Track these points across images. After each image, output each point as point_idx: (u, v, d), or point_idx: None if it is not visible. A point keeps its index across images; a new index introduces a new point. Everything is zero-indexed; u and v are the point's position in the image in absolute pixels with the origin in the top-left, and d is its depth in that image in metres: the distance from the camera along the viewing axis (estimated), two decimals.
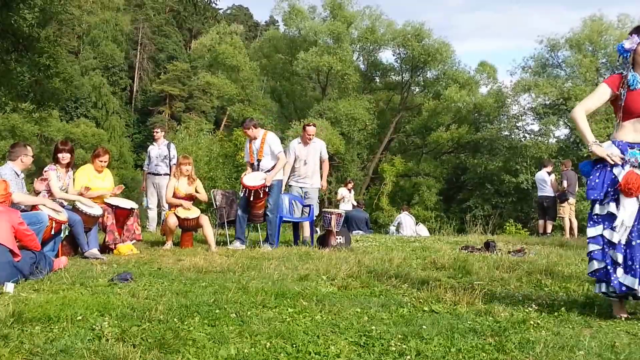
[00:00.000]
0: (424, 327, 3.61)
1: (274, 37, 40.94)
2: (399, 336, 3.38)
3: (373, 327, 3.57)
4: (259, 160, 9.00)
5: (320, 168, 9.96)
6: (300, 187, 9.75)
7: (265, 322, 3.70)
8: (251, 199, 8.59)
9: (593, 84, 31.04)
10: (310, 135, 9.80)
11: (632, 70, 4.33)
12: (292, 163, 9.77)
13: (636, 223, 4.09)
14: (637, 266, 4.01)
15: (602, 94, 4.42)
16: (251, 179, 8.74)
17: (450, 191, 34.78)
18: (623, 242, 4.10)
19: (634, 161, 4.15)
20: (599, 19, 32.13)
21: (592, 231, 4.26)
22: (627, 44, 4.32)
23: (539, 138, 31.87)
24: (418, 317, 3.97)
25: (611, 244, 4.13)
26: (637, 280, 3.99)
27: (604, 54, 31.98)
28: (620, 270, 4.07)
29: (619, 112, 4.29)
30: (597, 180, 4.24)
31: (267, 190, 8.68)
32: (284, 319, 3.80)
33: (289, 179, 9.86)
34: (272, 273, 5.76)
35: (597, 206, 4.23)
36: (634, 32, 4.35)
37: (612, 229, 4.13)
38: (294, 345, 3.20)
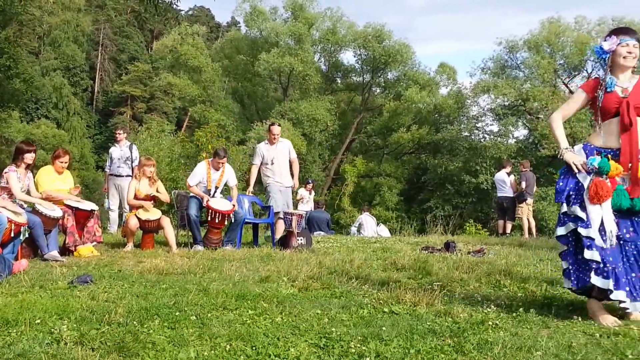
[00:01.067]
0: (384, 328, 3.63)
1: (236, 38, 40.86)
2: (359, 338, 3.40)
3: (333, 329, 3.58)
4: (216, 188, 9.13)
5: (291, 168, 10.00)
6: (280, 186, 9.73)
7: (226, 324, 3.69)
8: (217, 220, 8.62)
9: (551, 85, 31.64)
10: (275, 135, 9.82)
11: (610, 72, 4.35)
12: (259, 165, 9.80)
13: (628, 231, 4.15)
14: (610, 268, 4.03)
15: (578, 98, 4.48)
16: (219, 203, 8.82)
17: (411, 192, 35.06)
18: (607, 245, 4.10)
19: (592, 168, 4.22)
20: (557, 21, 32.71)
21: (560, 230, 4.34)
22: (607, 45, 4.32)
23: (499, 139, 32.32)
24: (378, 319, 3.99)
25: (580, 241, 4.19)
26: (611, 281, 4.00)
27: (561, 56, 32.57)
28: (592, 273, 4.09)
29: (597, 115, 4.34)
30: (560, 184, 4.32)
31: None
32: (244, 321, 3.79)
33: (266, 179, 9.84)
34: (233, 275, 5.75)
35: (564, 206, 4.30)
36: (612, 33, 4.36)
37: (587, 227, 4.15)
38: (254, 348, 3.20)
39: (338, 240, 11.01)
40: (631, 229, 4.14)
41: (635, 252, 4.08)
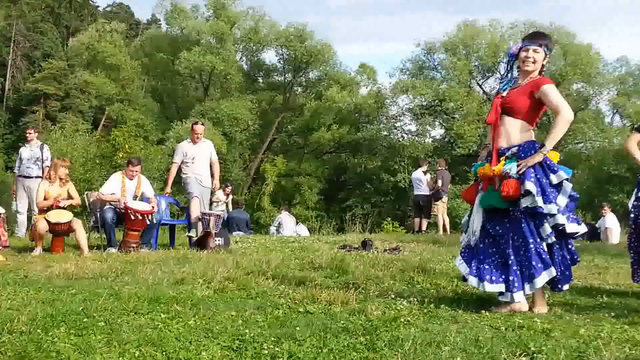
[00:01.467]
0: (298, 328, 3.62)
1: (156, 36, 40.35)
2: (273, 339, 3.37)
3: (247, 331, 3.54)
4: (135, 197, 8.94)
5: (211, 169, 9.85)
6: (199, 182, 9.56)
7: (136, 329, 3.59)
8: (136, 221, 8.43)
9: (466, 85, 32.57)
10: (198, 134, 9.68)
11: (510, 75, 4.60)
12: (179, 164, 9.62)
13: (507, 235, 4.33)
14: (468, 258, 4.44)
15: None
16: (138, 205, 8.68)
17: (331, 190, 35.33)
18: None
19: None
20: (472, 24, 33.68)
21: None
22: (512, 49, 4.50)
23: (416, 138, 33.07)
24: (293, 319, 3.98)
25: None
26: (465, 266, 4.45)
27: (476, 57, 33.55)
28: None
29: None
30: None
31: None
32: (156, 326, 3.69)
33: (185, 176, 9.64)
34: (147, 278, 5.60)
35: None
36: (525, 38, 4.51)
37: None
38: (164, 353, 3.12)
39: (257, 241, 10.94)
40: (507, 225, 4.33)
41: (504, 246, 4.29)
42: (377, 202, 31.90)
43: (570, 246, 4.31)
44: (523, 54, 4.40)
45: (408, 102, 33.80)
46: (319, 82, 36.99)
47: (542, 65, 4.43)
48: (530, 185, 4.12)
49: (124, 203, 8.52)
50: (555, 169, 4.21)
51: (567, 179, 4.21)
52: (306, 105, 36.48)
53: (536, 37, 4.48)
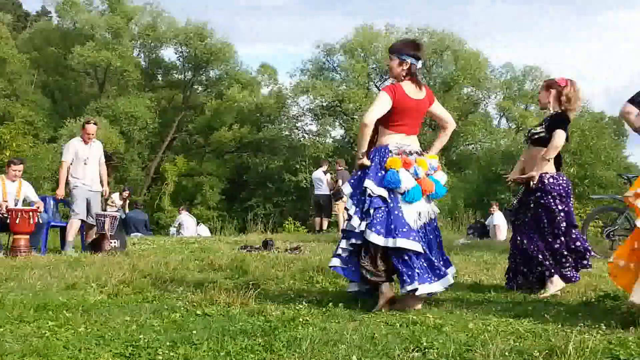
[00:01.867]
0: (195, 331, 3.55)
1: (46, 28, 38.62)
2: (168, 343, 3.28)
3: (141, 336, 3.42)
4: (16, 201, 8.55)
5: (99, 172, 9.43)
6: (88, 189, 9.06)
7: (20, 338, 3.39)
8: (22, 221, 8.00)
9: (365, 87, 33.20)
10: (90, 134, 9.12)
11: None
12: (69, 163, 9.08)
13: None
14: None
15: None
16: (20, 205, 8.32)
17: (232, 190, 35.06)
18: None
19: None
20: (370, 28, 34.39)
21: None
22: None
23: (317, 138, 33.37)
24: (190, 322, 3.89)
25: None
26: None
27: (374, 60, 34.26)
28: None
29: None
30: None
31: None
32: (42, 334, 3.51)
33: (74, 180, 9.13)
34: (34, 283, 5.33)
35: None
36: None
37: None
38: None
39: (156, 242, 10.71)
40: None
41: None
42: (279, 202, 31.96)
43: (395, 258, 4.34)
44: None
45: (308, 103, 34.11)
46: (219, 81, 36.67)
47: (406, 70, 4.59)
48: (344, 186, 4.73)
49: (6, 208, 8.10)
50: (365, 176, 4.53)
51: (365, 188, 4.46)
52: (207, 105, 36.06)
53: (391, 46, 4.77)
